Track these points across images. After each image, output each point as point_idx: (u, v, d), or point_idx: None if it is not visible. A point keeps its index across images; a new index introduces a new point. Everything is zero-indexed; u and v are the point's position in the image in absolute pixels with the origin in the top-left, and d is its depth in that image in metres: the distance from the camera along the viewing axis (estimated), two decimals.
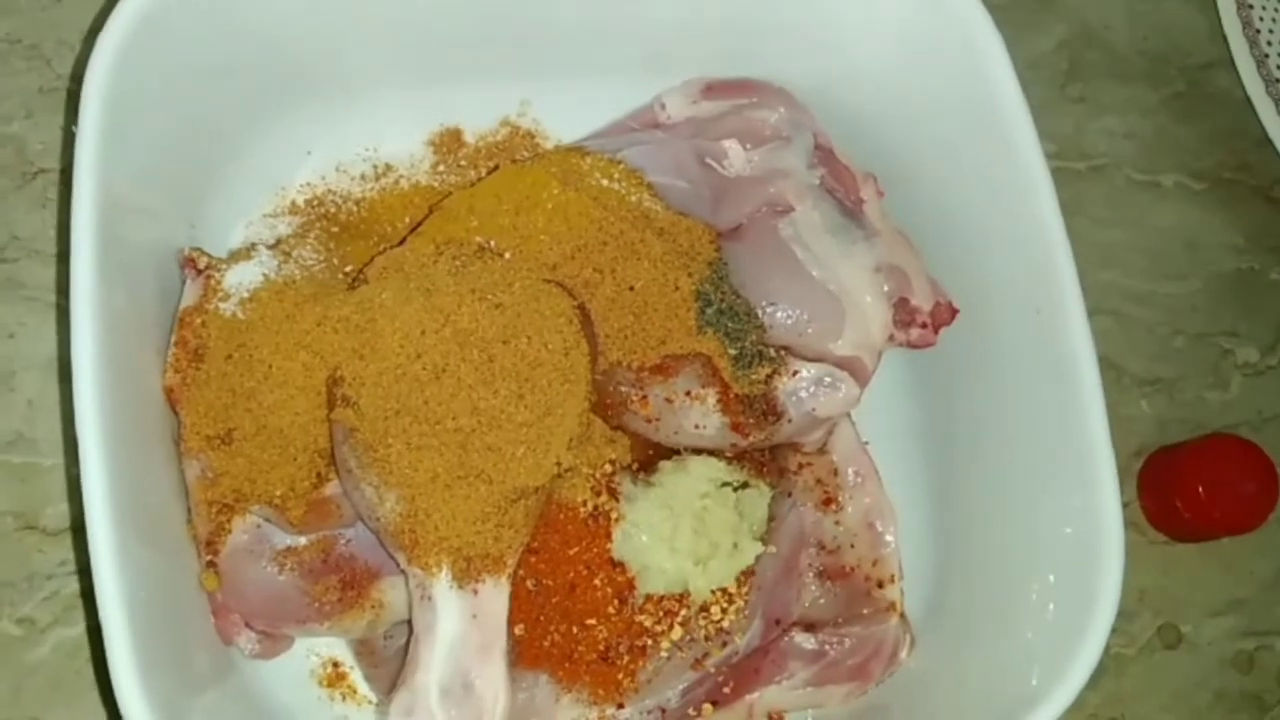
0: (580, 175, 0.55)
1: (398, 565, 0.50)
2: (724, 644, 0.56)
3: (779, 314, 0.55)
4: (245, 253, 0.54)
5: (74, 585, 0.58)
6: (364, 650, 0.56)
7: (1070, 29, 0.77)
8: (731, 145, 0.58)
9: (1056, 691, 0.51)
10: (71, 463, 0.59)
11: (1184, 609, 0.70)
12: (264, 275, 0.53)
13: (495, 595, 0.49)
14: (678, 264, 0.54)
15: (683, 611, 0.55)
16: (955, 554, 0.59)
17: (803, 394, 0.55)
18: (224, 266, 0.53)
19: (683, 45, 0.61)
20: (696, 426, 0.55)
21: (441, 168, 0.63)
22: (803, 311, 0.55)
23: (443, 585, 0.48)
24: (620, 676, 0.55)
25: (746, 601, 0.56)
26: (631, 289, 0.53)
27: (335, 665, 0.57)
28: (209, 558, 0.52)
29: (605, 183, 0.55)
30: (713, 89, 0.61)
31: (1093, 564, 0.52)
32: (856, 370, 0.55)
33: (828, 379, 0.55)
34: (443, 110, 0.63)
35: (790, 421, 0.55)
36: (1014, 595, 0.55)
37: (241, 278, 0.52)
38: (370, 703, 0.56)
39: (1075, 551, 0.53)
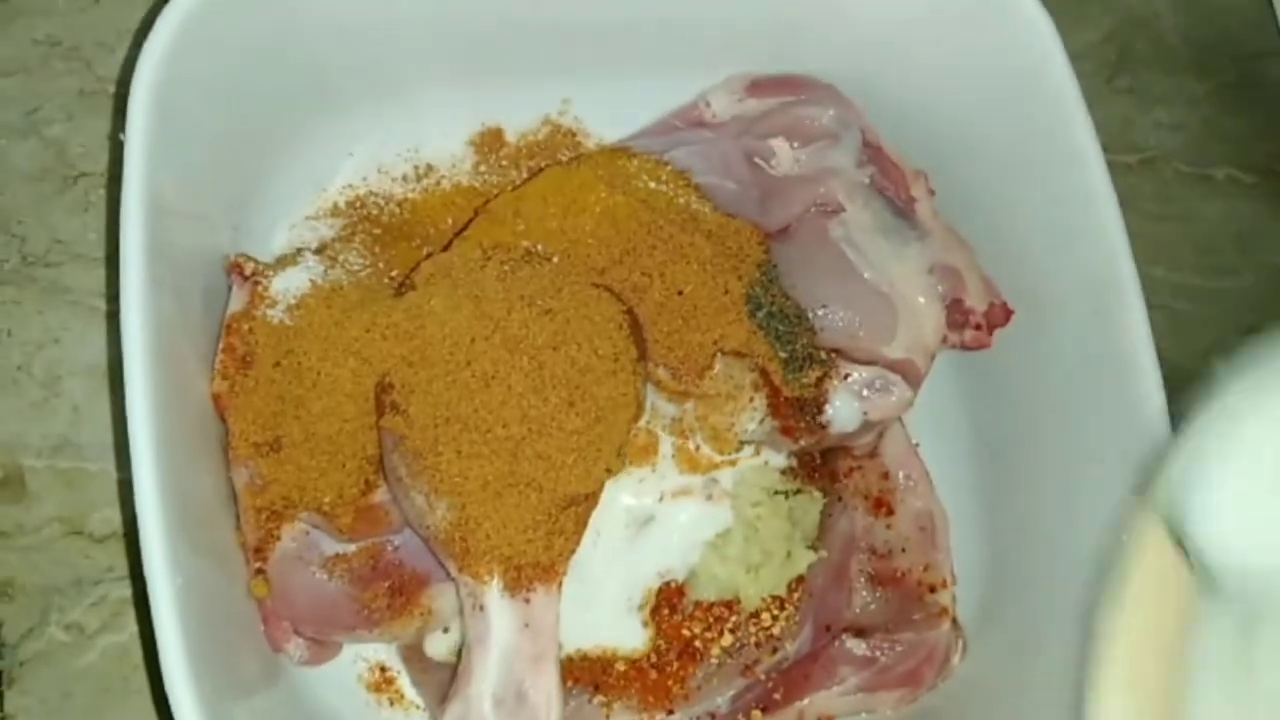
0: (627, 177, 0.55)
1: (448, 573, 0.50)
2: (774, 650, 0.56)
3: (830, 316, 0.54)
4: (291, 258, 0.54)
5: (121, 591, 0.58)
6: (411, 656, 0.55)
7: (1117, 19, 0.76)
8: (779, 144, 0.57)
9: None
10: (119, 468, 0.59)
11: None
12: (310, 281, 0.52)
13: (547, 604, 0.49)
14: (727, 266, 0.53)
15: (733, 618, 0.55)
16: (1008, 558, 0.58)
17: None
18: (270, 272, 0.53)
19: (725, 40, 0.60)
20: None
21: (483, 168, 0.62)
22: (854, 314, 0.54)
23: (494, 594, 0.48)
24: (670, 683, 0.54)
25: (797, 608, 0.55)
26: (681, 293, 0.53)
27: (383, 671, 0.56)
28: (258, 565, 0.51)
29: (653, 184, 0.55)
30: (758, 86, 0.60)
31: None
32: (909, 373, 0.55)
33: (879, 382, 0.54)
34: (483, 110, 0.62)
35: None
36: (1068, 600, 0.54)
37: (288, 283, 0.52)
38: (418, 708, 0.56)
39: None
